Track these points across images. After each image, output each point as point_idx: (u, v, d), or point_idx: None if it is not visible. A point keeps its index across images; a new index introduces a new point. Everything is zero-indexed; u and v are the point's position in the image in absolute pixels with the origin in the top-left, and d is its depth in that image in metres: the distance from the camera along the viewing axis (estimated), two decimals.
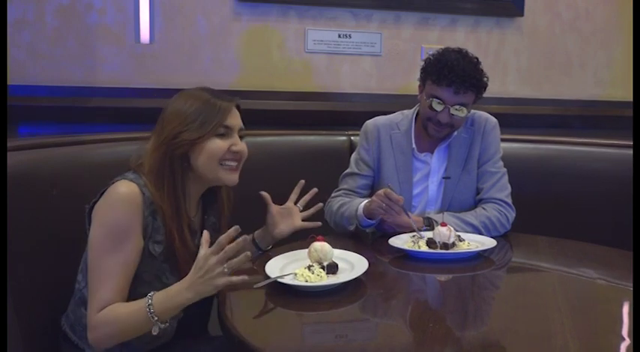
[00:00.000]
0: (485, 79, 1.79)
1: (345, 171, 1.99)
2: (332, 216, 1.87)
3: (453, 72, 1.72)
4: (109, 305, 1.25)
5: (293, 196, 1.62)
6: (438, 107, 1.76)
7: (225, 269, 1.19)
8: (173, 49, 2.46)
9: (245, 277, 1.23)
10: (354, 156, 2.00)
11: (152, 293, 1.24)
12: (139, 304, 1.24)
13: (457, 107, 1.76)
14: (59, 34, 2.35)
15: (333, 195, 1.95)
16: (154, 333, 1.23)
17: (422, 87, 1.85)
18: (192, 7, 2.47)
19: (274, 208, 1.60)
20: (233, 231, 1.21)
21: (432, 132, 1.84)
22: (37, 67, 2.34)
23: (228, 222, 1.50)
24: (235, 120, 1.39)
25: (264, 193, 1.60)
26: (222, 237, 1.21)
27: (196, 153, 1.35)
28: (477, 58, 1.80)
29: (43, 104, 2.29)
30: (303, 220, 1.61)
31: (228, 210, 1.52)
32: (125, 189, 1.29)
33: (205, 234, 1.25)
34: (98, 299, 1.25)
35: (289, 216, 1.60)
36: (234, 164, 1.39)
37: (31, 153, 1.60)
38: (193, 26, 2.48)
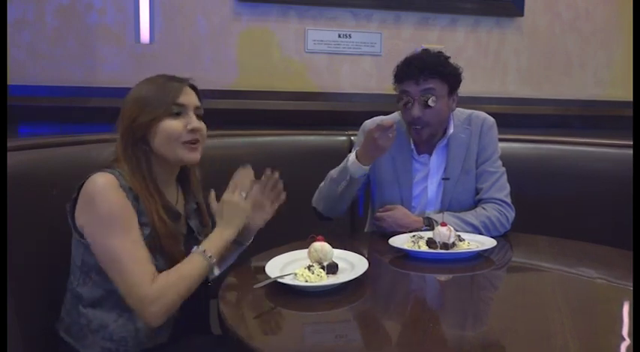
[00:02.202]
0: (452, 67, 1.80)
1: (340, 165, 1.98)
2: (320, 192, 1.86)
3: (411, 64, 1.76)
4: (159, 274, 1.29)
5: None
6: (407, 101, 1.77)
7: (243, 194, 1.43)
8: (173, 49, 2.46)
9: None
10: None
11: (195, 247, 1.35)
12: (192, 258, 1.34)
13: (424, 96, 1.75)
14: (59, 34, 2.35)
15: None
16: (216, 274, 1.36)
17: (397, 96, 1.85)
18: (192, 7, 2.47)
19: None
20: (241, 168, 1.47)
21: (413, 135, 1.84)
22: (37, 67, 2.34)
23: (201, 199, 1.53)
24: (189, 98, 1.40)
25: (211, 195, 1.52)
26: (234, 176, 1.45)
27: (153, 135, 1.37)
28: (441, 52, 1.82)
29: (43, 104, 2.30)
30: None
31: (198, 189, 1.52)
32: (102, 179, 1.30)
33: (211, 192, 1.47)
34: (144, 274, 1.27)
35: (260, 207, 1.52)
36: (195, 143, 1.39)
37: (31, 153, 1.60)
38: (193, 26, 2.48)
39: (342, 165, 1.80)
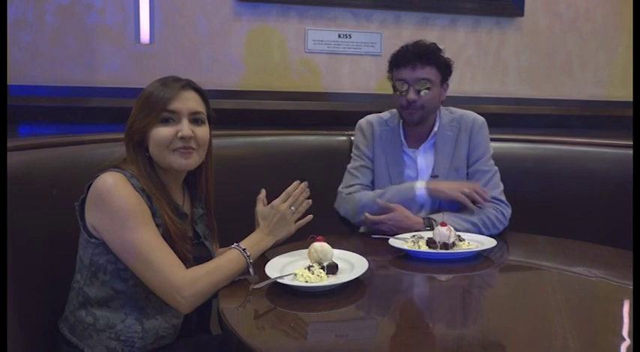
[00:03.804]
0: (445, 57, 1.86)
1: (354, 165, 1.97)
2: (358, 207, 1.84)
3: (408, 51, 1.83)
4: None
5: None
6: (403, 87, 1.83)
7: (293, 209, 1.50)
8: (173, 49, 2.46)
9: (311, 216, 1.55)
10: (356, 152, 1.99)
11: (235, 243, 1.40)
12: (231, 253, 1.38)
13: (421, 82, 1.81)
14: (59, 34, 2.35)
15: (349, 188, 1.92)
16: (252, 274, 1.37)
17: (392, 81, 1.90)
18: (192, 7, 2.47)
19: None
20: (297, 183, 1.53)
21: (406, 117, 1.87)
22: (37, 67, 2.34)
23: (214, 206, 1.54)
24: (183, 104, 1.37)
25: (262, 195, 1.58)
26: (290, 188, 1.51)
27: (148, 142, 1.37)
28: (435, 44, 1.87)
29: (43, 104, 2.30)
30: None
31: (210, 191, 1.52)
32: (112, 178, 1.31)
33: (262, 191, 1.56)
34: (172, 260, 1.29)
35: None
36: (187, 149, 1.38)
37: (31, 153, 1.60)
38: (193, 26, 2.48)
39: (403, 193, 1.83)
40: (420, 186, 1.83)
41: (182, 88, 1.39)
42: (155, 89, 1.38)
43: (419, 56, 1.81)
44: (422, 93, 1.82)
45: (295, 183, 1.54)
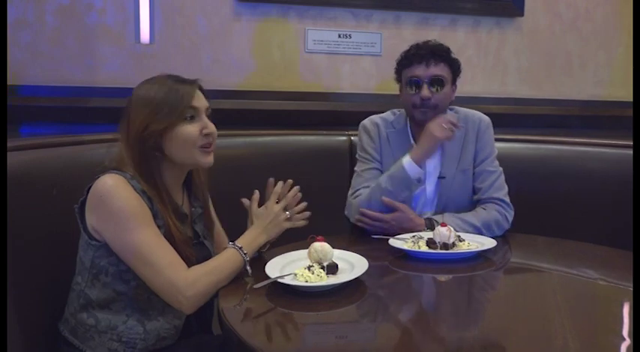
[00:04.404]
0: (455, 57, 1.85)
1: (363, 168, 1.93)
2: (369, 201, 1.81)
3: (421, 49, 1.83)
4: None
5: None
6: (416, 85, 1.81)
7: (287, 213, 1.54)
8: (173, 49, 2.46)
9: (307, 213, 1.58)
10: (363, 154, 1.96)
11: (231, 242, 1.42)
12: (228, 252, 1.39)
13: (433, 79, 1.80)
14: (59, 34, 2.35)
15: (357, 190, 1.88)
16: (250, 272, 1.39)
17: (400, 81, 1.89)
18: (192, 7, 2.47)
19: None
20: (289, 184, 1.57)
21: (418, 116, 1.83)
22: (37, 67, 2.34)
23: (207, 203, 1.55)
24: (200, 101, 1.39)
25: (244, 200, 1.59)
26: (276, 188, 1.55)
27: (168, 141, 1.35)
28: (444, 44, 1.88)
29: (43, 104, 2.29)
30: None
31: (204, 193, 1.54)
32: (112, 180, 1.31)
33: (256, 192, 1.56)
34: (173, 260, 1.29)
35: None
36: (210, 147, 1.40)
37: (31, 153, 1.60)
38: (193, 26, 2.48)
39: (394, 175, 1.78)
40: (407, 161, 1.77)
41: (197, 85, 1.42)
42: (168, 89, 1.36)
43: (432, 53, 1.81)
44: (434, 89, 1.80)
45: (279, 183, 1.57)
